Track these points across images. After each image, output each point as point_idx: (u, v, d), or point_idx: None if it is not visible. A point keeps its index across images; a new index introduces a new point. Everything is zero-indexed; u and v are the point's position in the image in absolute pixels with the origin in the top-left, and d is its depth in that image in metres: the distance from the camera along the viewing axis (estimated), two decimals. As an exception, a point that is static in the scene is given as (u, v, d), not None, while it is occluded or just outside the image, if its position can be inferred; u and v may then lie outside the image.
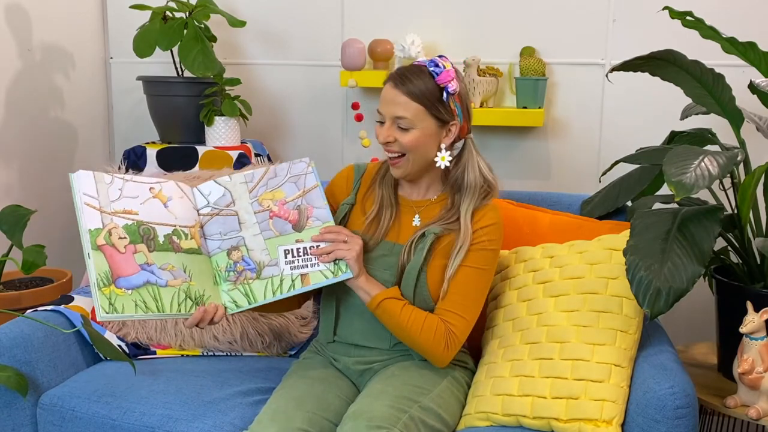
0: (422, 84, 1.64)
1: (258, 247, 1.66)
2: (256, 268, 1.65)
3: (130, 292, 1.50)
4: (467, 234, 1.68)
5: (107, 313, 1.46)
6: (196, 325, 1.59)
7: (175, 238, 1.61)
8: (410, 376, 1.67)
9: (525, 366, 1.67)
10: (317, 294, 1.89)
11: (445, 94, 1.65)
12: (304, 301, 1.91)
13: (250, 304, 1.63)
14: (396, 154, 1.68)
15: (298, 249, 1.66)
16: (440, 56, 1.68)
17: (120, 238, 1.53)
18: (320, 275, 1.65)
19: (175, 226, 1.62)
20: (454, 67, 1.68)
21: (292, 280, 1.64)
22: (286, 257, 1.65)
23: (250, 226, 1.68)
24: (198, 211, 1.69)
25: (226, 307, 1.62)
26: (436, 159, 1.70)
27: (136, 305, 1.49)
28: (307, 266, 1.65)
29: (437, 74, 1.65)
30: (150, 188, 1.64)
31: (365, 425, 1.50)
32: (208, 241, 1.67)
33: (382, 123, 1.69)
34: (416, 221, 1.75)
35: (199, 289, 1.59)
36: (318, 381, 1.70)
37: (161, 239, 1.58)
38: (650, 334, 1.78)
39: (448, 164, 1.70)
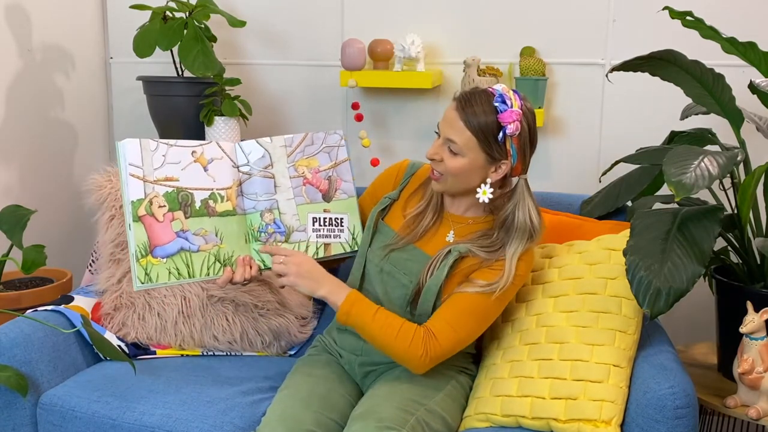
0: (483, 116, 1.58)
1: (290, 211, 1.75)
2: (285, 232, 1.74)
3: (165, 260, 1.61)
4: (510, 277, 1.63)
5: (143, 283, 1.59)
6: (241, 283, 1.66)
7: (211, 202, 1.68)
8: (416, 379, 1.67)
9: (524, 367, 1.67)
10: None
11: (501, 134, 1.59)
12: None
13: None
14: (438, 173, 1.66)
15: (324, 218, 1.76)
16: (514, 90, 1.62)
17: (160, 206, 1.63)
18: (340, 246, 1.78)
19: (212, 189, 1.69)
20: (523, 108, 1.61)
21: (317, 248, 1.75)
22: (314, 225, 1.76)
23: (284, 190, 1.76)
24: (238, 168, 1.74)
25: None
26: (477, 191, 1.65)
27: (169, 273, 1.61)
28: (330, 236, 1.77)
29: (501, 111, 1.58)
30: (192, 152, 1.70)
31: (374, 426, 1.50)
32: (245, 200, 1.73)
33: (439, 136, 1.66)
34: (450, 237, 1.72)
35: (228, 251, 1.68)
36: (322, 380, 1.71)
37: (198, 204, 1.67)
38: (650, 334, 1.78)
39: (486, 200, 1.65)
